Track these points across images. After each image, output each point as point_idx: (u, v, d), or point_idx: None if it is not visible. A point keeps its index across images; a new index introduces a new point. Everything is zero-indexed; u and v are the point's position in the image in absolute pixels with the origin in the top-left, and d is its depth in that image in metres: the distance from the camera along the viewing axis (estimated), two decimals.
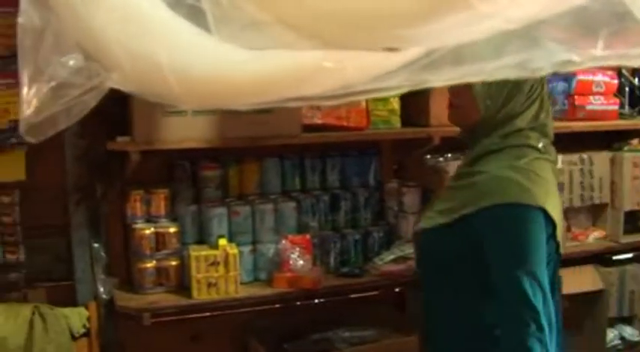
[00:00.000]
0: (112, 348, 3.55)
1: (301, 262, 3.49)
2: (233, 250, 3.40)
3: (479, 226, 2.18)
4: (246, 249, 3.53)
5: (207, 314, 3.62)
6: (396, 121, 3.63)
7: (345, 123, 3.51)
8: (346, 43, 1.04)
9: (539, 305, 2.05)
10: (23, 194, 3.54)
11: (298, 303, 3.72)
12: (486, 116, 2.25)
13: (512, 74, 1.14)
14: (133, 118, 3.23)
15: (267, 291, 3.53)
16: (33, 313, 3.44)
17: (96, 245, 3.58)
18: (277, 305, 3.77)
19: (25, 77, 1.27)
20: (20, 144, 3.44)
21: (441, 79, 1.11)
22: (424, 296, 2.47)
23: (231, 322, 3.75)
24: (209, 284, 3.39)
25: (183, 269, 3.48)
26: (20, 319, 3.41)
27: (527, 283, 2.05)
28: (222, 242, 3.40)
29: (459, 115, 2.33)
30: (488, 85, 2.17)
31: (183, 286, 3.49)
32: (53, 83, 1.23)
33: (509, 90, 2.21)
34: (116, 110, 3.35)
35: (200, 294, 3.39)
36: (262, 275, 3.60)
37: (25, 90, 1.27)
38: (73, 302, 3.60)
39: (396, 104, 3.61)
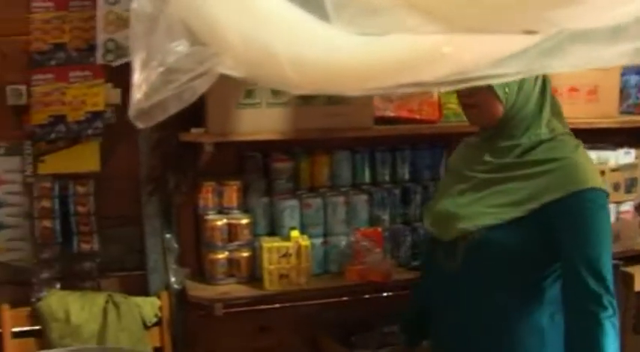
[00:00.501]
0: (183, 338, 3.58)
1: (372, 255, 3.48)
2: (305, 242, 3.40)
3: (559, 213, 2.15)
4: (318, 241, 3.54)
5: (277, 305, 3.64)
6: None
7: (417, 116, 3.50)
8: (482, 26, 1.02)
9: (614, 290, 2.14)
10: (97, 184, 3.59)
11: (367, 296, 3.72)
12: (508, 105, 2.24)
13: (628, 61, 1.12)
14: (207, 110, 3.25)
15: (338, 283, 3.53)
16: (107, 302, 3.49)
17: (168, 235, 3.61)
18: (345, 298, 3.78)
19: (136, 63, 1.28)
20: (95, 135, 3.50)
21: (565, 64, 1.09)
22: (459, 303, 2.39)
23: (300, 314, 3.75)
24: (280, 276, 3.40)
25: (255, 260, 3.50)
26: (94, 307, 3.46)
27: (606, 267, 2.13)
28: (295, 234, 3.41)
29: (482, 113, 2.28)
30: None
31: (254, 277, 3.51)
32: (162, 68, 1.24)
33: None
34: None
35: (272, 285, 3.40)
36: (333, 267, 3.60)
37: (136, 75, 1.28)
38: (145, 292, 3.64)
39: None
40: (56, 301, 3.48)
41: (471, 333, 2.35)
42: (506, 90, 2.19)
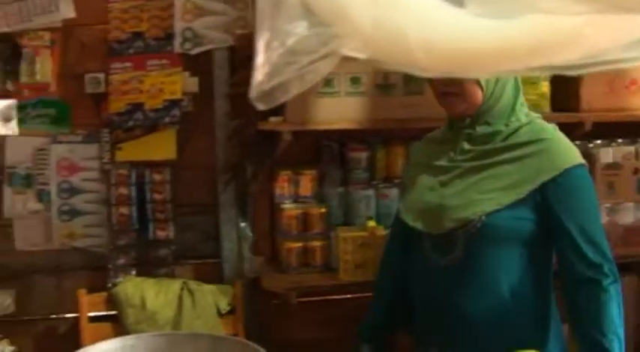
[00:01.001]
0: (256, 326, 3.59)
1: None
2: (381, 232, 3.39)
3: (555, 191, 2.19)
4: None
5: (349, 295, 3.63)
6: (546, 106, 3.55)
7: None
8: (633, 5, 0.99)
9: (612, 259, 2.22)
10: (174, 172, 3.62)
11: None
12: (488, 93, 2.24)
13: None
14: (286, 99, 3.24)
15: None
16: (182, 289, 3.51)
17: (243, 224, 3.62)
18: None
19: (260, 44, 1.27)
20: (172, 123, 3.52)
21: None
22: (459, 294, 2.31)
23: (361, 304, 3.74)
24: (356, 266, 3.39)
25: (329, 250, 3.49)
26: (170, 294, 3.48)
27: (602, 237, 2.21)
28: (371, 223, 3.40)
29: (462, 101, 2.25)
30: None
31: (328, 267, 3.51)
32: (284, 50, 1.23)
33: None
34: None
35: (346, 275, 3.40)
36: None
37: (259, 56, 1.27)
38: (219, 280, 3.66)
39: (546, 88, 3.53)
40: (132, 287, 3.52)
41: (475, 322, 2.29)
42: (487, 77, 2.20)
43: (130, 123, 3.54)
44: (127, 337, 1.73)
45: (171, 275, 3.63)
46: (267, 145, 3.44)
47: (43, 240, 3.72)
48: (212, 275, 3.68)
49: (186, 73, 3.57)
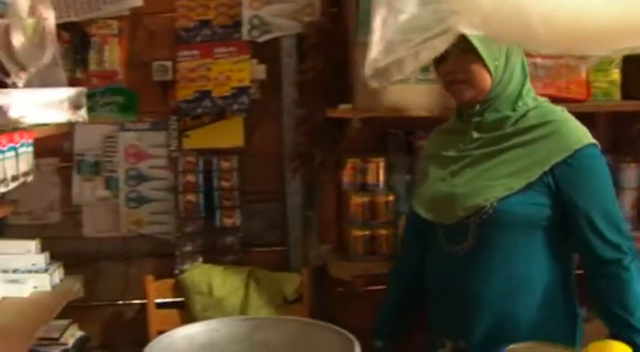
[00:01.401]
0: (323, 314, 3.58)
1: None
2: None
3: (567, 172, 2.14)
4: None
5: None
6: (616, 93, 3.49)
7: (564, 95, 3.41)
8: None
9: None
10: (241, 160, 3.63)
11: None
12: (497, 79, 2.19)
13: None
14: (355, 86, 3.24)
15: None
16: (248, 276, 3.53)
17: (309, 212, 3.62)
18: None
19: (376, 22, 1.27)
20: (240, 110, 3.53)
21: None
22: (470, 282, 2.24)
23: None
24: None
25: (396, 238, 3.47)
26: (237, 281, 3.50)
27: (618, 215, 2.18)
28: None
29: (472, 87, 2.20)
30: (489, 46, 2.10)
31: (394, 255, 3.48)
32: (399, 27, 1.22)
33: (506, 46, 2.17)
34: (335, 79, 3.39)
35: None
36: None
37: (375, 34, 1.26)
38: (284, 268, 3.67)
39: (616, 75, 3.48)
40: (199, 274, 3.54)
41: (490, 309, 2.22)
42: (496, 63, 2.17)
43: (198, 111, 3.56)
44: (212, 321, 1.73)
45: (238, 263, 3.65)
46: (335, 133, 3.44)
47: (111, 226, 3.76)
48: (278, 262, 3.69)
49: (254, 61, 3.58)
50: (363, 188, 3.51)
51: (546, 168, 2.13)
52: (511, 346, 1.85)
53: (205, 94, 3.55)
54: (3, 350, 2.66)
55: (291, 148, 3.56)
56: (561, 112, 2.27)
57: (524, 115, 2.22)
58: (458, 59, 2.11)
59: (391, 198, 3.48)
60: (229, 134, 3.61)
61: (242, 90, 3.51)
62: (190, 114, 3.58)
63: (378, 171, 3.50)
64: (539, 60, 3.41)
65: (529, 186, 2.14)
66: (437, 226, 2.29)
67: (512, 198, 2.14)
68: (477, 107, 2.22)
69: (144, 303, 3.66)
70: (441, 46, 1.26)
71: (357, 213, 3.46)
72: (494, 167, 2.18)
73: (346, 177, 3.51)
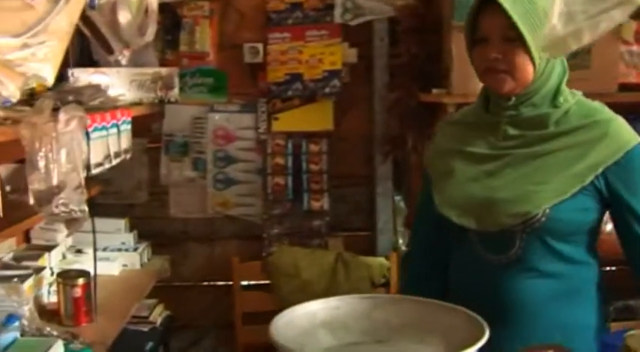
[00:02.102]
0: None
1: (609, 227, 3.35)
2: None
3: (618, 174, 1.98)
4: None
5: None
6: None
7: None
8: None
9: None
10: (330, 143, 3.62)
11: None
12: (540, 72, 1.99)
13: None
14: (451, 71, 3.21)
15: None
16: (336, 260, 3.52)
17: (397, 197, 3.60)
18: None
19: None
20: (331, 94, 3.52)
21: None
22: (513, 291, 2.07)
23: None
24: None
25: None
26: (324, 265, 3.50)
27: None
28: None
29: (513, 78, 1.97)
30: (536, 35, 1.90)
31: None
32: None
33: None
34: (428, 63, 3.36)
35: None
36: None
37: (556, 4, 1.23)
38: (369, 252, 3.66)
39: None
40: (286, 257, 3.54)
41: (531, 316, 2.11)
42: (540, 55, 1.96)
43: (289, 93, 3.57)
44: (331, 299, 1.72)
45: (324, 246, 3.64)
46: (428, 118, 3.41)
47: (198, 207, 3.79)
48: (363, 247, 3.68)
49: (345, 44, 3.57)
50: None
51: (599, 171, 1.97)
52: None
53: (296, 77, 3.55)
54: (102, 326, 2.69)
55: (381, 132, 3.55)
56: (603, 109, 2.09)
57: (565, 113, 2.03)
58: (502, 46, 1.92)
59: None
60: (319, 117, 3.61)
61: (333, 74, 3.50)
62: (281, 97, 3.59)
63: None
64: (635, 47, 3.36)
65: (580, 192, 1.98)
66: (471, 232, 2.05)
67: (565, 204, 1.96)
68: (513, 100, 2.00)
69: (229, 285, 3.67)
70: (619, 17, 1.22)
71: None
72: (538, 170, 2.00)
73: None
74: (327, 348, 1.64)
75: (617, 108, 3.32)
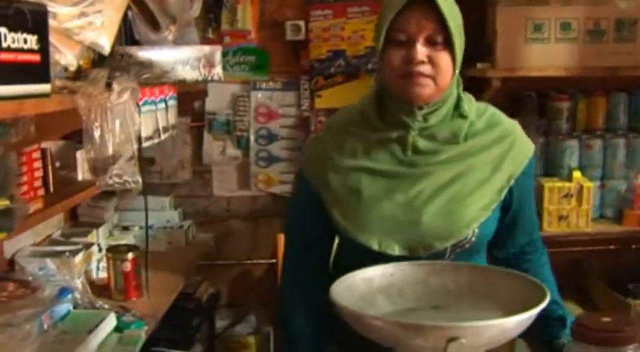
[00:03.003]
0: None
1: None
2: (587, 183, 3.30)
3: (523, 181, 1.91)
4: (595, 184, 3.41)
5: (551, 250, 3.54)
6: None
7: None
8: None
9: None
10: None
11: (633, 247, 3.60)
12: (455, 75, 1.85)
13: None
14: (495, 45, 3.21)
15: (617, 229, 3.41)
16: None
17: None
18: (612, 247, 3.67)
19: None
20: (374, 70, 3.51)
21: None
22: None
23: (568, 259, 3.67)
24: (560, 217, 3.31)
25: None
26: None
27: None
28: (577, 174, 3.32)
29: (435, 85, 1.78)
30: (460, 39, 1.77)
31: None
32: None
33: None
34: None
35: (550, 226, 3.32)
36: (609, 212, 3.49)
37: None
38: None
39: None
40: None
41: None
42: (460, 55, 1.81)
43: (332, 70, 3.57)
44: (387, 265, 1.72)
45: None
46: (472, 93, 3.38)
47: (240, 186, 3.80)
48: None
49: None
50: None
51: (512, 182, 1.88)
52: None
53: (339, 54, 3.55)
54: (152, 301, 2.73)
55: None
56: (500, 114, 1.98)
57: (472, 123, 1.89)
58: (427, 49, 1.73)
59: None
60: (362, 93, 3.57)
61: (376, 50, 3.48)
62: (324, 74, 3.59)
63: None
64: None
65: (497, 204, 1.90)
66: (393, 257, 1.82)
67: (488, 219, 1.87)
68: (425, 109, 1.81)
69: (272, 263, 3.68)
70: None
71: None
72: (464, 187, 1.85)
73: None
74: (386, 313, 1.65)
75: None
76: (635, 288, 3.37)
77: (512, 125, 1.95)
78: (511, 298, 1.62)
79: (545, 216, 3.31)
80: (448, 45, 1.73)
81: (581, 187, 3.29)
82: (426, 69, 1.75)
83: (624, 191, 3.45)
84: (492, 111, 1.96)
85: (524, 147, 1.92)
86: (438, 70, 1.76)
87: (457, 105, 1.86)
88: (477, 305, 1.67)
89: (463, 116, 1.86)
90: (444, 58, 1.75)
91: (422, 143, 1.83)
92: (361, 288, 1.68)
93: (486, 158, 1.86)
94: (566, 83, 3.53)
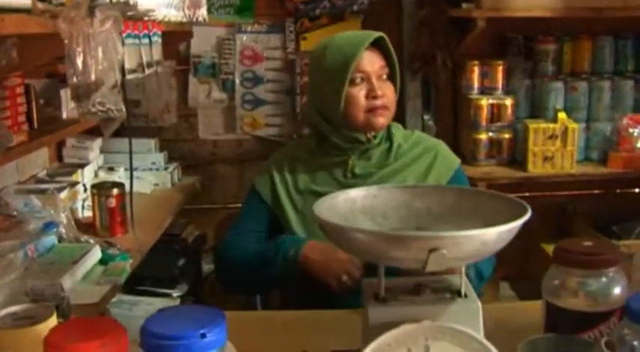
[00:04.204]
0: None
1: None
2: (572, 125, 3.31)
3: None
4: (580, 126, 3.42)
5: (537, 193, 3.56)
6: None
7: None
8: None
9: None
10: None
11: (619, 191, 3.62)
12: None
13: None
14: None
15: (601, 171, 3.42)
16: None
17: (426, 116, 3.60)
18: (598, 191, 3.69)
19: None
20: (359, 12, 3.49)
21: None
22: None
23: (551, 203, 3.69)
24: (545, 158, 3.32)
25: (516, 142, 3.44)
26: None
27: None
28: (562, 116, 3.33)
29: (390, 114, 2.09)
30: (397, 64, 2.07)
31: (514, 160, 3.46)
32: None
33: None
34: None
35: (535, 168, 3.35)
36: (594, 154, 3.50)
37: None
38: None
39: None
40: None
41: None
42: (398, 86, 2.10)
43: (317, 12, 3.55)
44: (371, 188, 1.72)
45: None
46: (457, 34, 3.39)
47: (226, 129, 3.79)
48: None
49: None
50: (483, 91, 3.46)
51: None
52: None
53: None
54: (137, 237, 2.72)
55: (410, 50, 3.52)
56: (425, 135, 2.26)
57: (400, 145, 2.13)
58: (380, 84, 2.03)
59: (512, 101, 3.43)
60: None
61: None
62: (309, 16, 3.56)
63: (498, 74, 3.44)
64: None
65: None
66: None
67: None
68: (372, 136, 2.09)
69: None
70: None
71: (478, 116, 3.43)
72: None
73: (466, 79, 3.48)
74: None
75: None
76: (619, 229, 3.40)
77: (436, 143, 2.19)
78: (495, 218, 1.62)
79: (530, 157, 3.33)
80: (389, 77, 2.03)
81: (566, 128, 3.31)
82: (385, 101, 2.02)
83: (609, 133, 3.46)
84: (418, 133, 2.22)
85: (448, 161, 2.14)
86: (390, 100, 2.04)
87: (388, 127, 2.11)
88: (461, 226, 1.67)
89: (391, 139, 2.10)
90: (391, 88, 2.04)
91: (359, 166, 2.08)
92: (343, 208, 1.67)
93: (415, 170, 2.09)
94: (552, 26, 3.52)
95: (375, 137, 2.07)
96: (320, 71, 2.04)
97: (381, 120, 2.04)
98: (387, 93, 2.03)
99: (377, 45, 2.01)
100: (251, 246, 2.11)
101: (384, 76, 2.03)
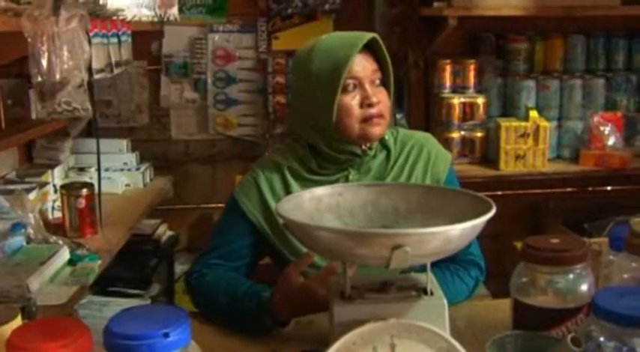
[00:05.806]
0: None
1: (612, 140, 3.36)
2: (544, 123, 3.32)
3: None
4: (552, 124, 3.44)
5: (500, 192, 3.55)
6: None
7: None
8: None
9: None
10: None
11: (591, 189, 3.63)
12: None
13: None
14: None
15: (573, 168, 3.44)
16: None
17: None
18: (570, 189, 3.71)
19: None
20: (331, 11, 3.49)
21: None
22: None
23: (526, 202, 3.70)
24: (517, 156, 3.33)
25: (488, 141, 3.45)
26: None
27: None
28: (533, 114, 3.34)
29: (386, 122, 1.89)
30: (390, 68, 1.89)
31: (486, 158, 3.46)
32: None
33: None
34: None
35: (507, 166, 3.35)
36: (566, 152, 3.51)
37: None
38: None
39: None
40: None
41: None
42: (392, 91, 1.92)
43: (289, 11, 3.54)
44: (336, 185, 1.71)
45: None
46: (429, 33, 3.39)
47: (199, 129, 3.77)
48: None
49: None
50: (455, 90, 3.47)
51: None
52: None
53: None
54: (107, 237, 2.70)
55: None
56: (412, 130, 2.08)
57: (389, 152, 1.97)
58: (373, 90, 1.82)
59: (484, 100, 3.44)
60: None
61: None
62: (281, 15, 3.55)
63: (470, 73, 3.45)
64: None
65: None
66: None
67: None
68: (367, 147, 1.92)
69: None
70: None
71: (450, 115, 3.43)
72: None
73: (438, 78, 3.48)
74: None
75: (610, 25, 3.33)
76: (591, 227, 3.41)
77: (425, 137, 2.02)
78: (460, 216, 1.62)
79: (502, 156, 3.33)
80: (382, 83, 1.85)
81: (538, 127, 3.32)
82: (380, 108, 1.83)
83: (581, 131, 3.47)
84: (402, 131, 2.03)
85: (442, 155, 2.00)
86: (385, 108, 1.85)
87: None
88: (427, 223, 1.67)
89: (386, 147, 1.95)
90: (385, 94, 1.86)
91: (355, 178, 1.92)
92: (308, 206, 1.66)
93: (413, 174, 1.95)
94: (523, 25, 3.53)
95: (370, 148, 1.91)
96: (307, 77, 1.82)
97: (378, 129, 1.85)
98: (382, 100, 1.84)
99: (368, 47, 1.83)
100: (223, 285, 1.86)
101: (377, 82, 1.84)
